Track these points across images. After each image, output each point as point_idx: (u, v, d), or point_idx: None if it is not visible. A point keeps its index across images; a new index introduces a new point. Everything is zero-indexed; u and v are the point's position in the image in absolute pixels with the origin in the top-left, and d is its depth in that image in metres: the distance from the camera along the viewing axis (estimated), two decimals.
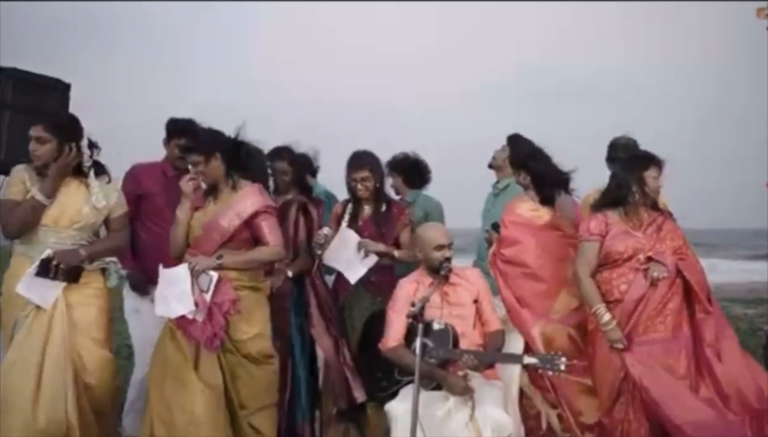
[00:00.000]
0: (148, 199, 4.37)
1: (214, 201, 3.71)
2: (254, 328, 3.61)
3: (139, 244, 4.31)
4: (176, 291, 3.47)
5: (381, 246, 4.10)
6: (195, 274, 3.46)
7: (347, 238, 4.12)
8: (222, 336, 3.49)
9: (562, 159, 4.19)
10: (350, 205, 4.25)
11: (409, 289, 3.72)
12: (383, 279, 4.10)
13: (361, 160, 4.19)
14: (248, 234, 3.64)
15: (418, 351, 3.11)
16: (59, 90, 4.44)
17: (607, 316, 3.58)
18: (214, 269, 3.49)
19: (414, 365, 3.12)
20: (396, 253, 4.14)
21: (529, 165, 4.08)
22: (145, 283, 4.34)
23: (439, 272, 3.64)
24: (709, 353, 3.57)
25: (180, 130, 4.35)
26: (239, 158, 3.70)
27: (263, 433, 3.65)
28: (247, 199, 3.64)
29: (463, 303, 3.70)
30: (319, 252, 4.09)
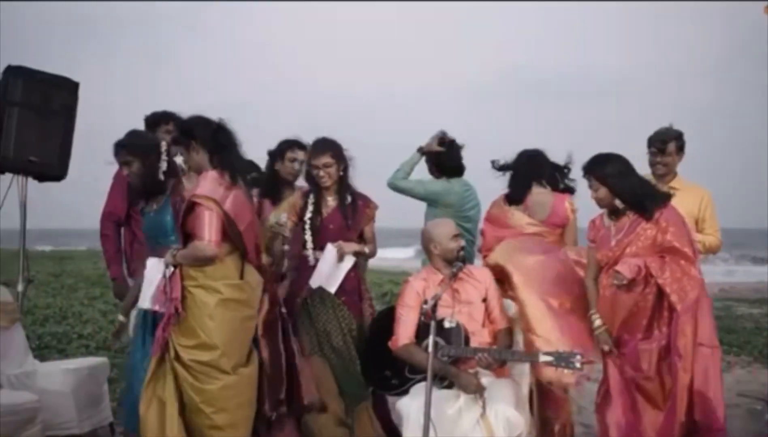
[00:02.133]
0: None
1: None
2: (194, 339, 3.29)
3: (137, 246, 4.16)
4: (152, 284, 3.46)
5: (355, 246, 3.91)
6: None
7: (325, 254, 3.86)
8: (163, 336, 3.31)
9: (561, 158, 4.17)
10: (311, 195, 3.96)
11: (418, 287, 3.71)
12: (346, 277, 3.88)
13: (323, 146, 3.91)
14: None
15: (430, 348, 3.07)
16: (67, 88, 4.45)
17: (597, 321, 3.55)
18: (174, 264, 3.34)
19: (426, 363, 3.09)
20: (366, 249, 3.98)
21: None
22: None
23: (455, 262, 3.62)
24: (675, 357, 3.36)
25: (159, 118, 4.32)
26: (220, 143, 3.41)
27: None
28: (194, 187, 3.38)
29: (473, 302, 3.69)
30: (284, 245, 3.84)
